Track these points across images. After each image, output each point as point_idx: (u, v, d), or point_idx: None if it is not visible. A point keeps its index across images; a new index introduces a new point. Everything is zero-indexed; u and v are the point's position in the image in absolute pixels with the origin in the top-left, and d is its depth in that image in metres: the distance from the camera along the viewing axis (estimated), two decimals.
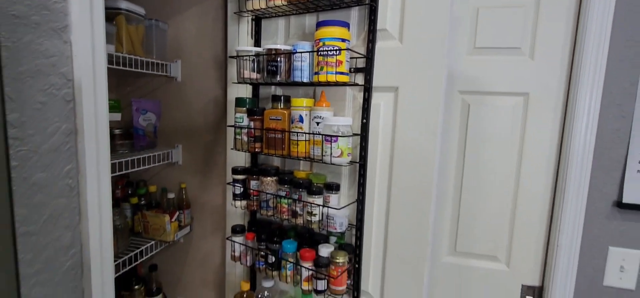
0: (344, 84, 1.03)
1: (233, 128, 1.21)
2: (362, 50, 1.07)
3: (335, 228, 1.05)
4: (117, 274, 1.35)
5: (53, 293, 0.58)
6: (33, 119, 0.53)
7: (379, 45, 1.05)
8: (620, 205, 1.23)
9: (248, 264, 1.24)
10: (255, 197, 1.21)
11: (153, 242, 1.49)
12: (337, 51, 0.97)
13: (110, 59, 1.24)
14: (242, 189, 1.22)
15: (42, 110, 0.55)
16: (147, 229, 1.51)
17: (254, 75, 1.16)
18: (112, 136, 1.44)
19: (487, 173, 1.37)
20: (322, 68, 1.00)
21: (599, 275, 1.29)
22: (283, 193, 1.13)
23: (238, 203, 1.23)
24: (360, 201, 1.11)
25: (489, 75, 1.33)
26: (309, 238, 1.20)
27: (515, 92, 1.32)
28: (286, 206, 1.13)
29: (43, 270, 0.56)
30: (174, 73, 1.57)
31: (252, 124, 1.17)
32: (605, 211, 1.25)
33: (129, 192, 1.58)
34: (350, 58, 1.07)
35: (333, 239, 1.17)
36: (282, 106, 1.15)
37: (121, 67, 1.29)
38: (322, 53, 0.99)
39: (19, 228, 0.51)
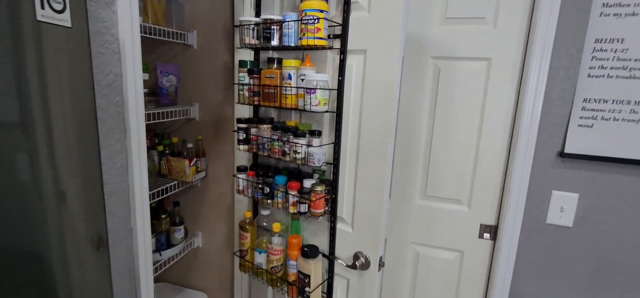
0: (323, 48, 1.28)
1: (237, 85, 1.49)
2: (340, 19, 1.31)
3: (314, 164, 1.33)
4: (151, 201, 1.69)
5: (113, 180, 0.89)
6: (96, 63, 0.82)
7: (353, 15, 1.29)
8: (562, 154, 1.44)
9: (249, 195, 1.54)
10: (254, 142, 1.49)
11: (176, 182, 1.82)
12: (316, 20, 1.22)
13: (141, 29, 1.53)
14: (244, 135, 1.51)
15: (101, 57, 0.84)
16: (170, 171, 1.84)
17: (254, 41, 1.42)
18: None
19: (454, 129, 1.61)
20: (304, 34, 1.25)
21: (542, 215, 1.52)
22: (275, 137, 1.42)
23: (242, 146, 1.52)
24: (336, 143, 1.37)
25: (457, 42, 1.54)
26: (297, 174, 1.49)
27: (479, 57, 1.53)
28: (278, 147, 1.41)
29: (106, 164, 0.87)
30: (190, 41, 1.85)
31: (251, 81, 1.44)
32: (550, 160, 1.47)
33: (156, 142, 1.91)
34: (329, 26, 1.31)
35: (316, 176, 1.45)
36: (275, 67, 1.41)
37: (147, 35, 1.58)
38: (304, 21, 1.24)
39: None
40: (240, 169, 1.56)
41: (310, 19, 1.22)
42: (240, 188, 1.56)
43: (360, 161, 1.35)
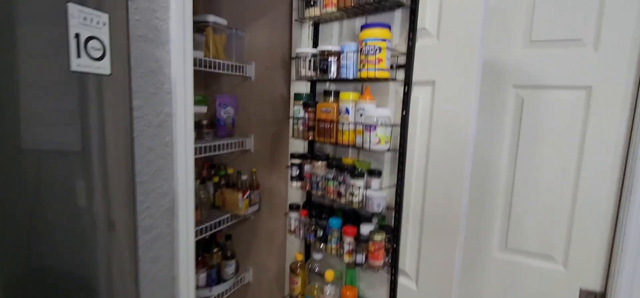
0: (384, 80, 1.15)
1: (292, 119, 1.42)
2: (404, 48, 1.17)
3: (373, 209, 1.18)
4: (201, 237, 1.67)
5: (155, 224, 0.84)
6: (148, 104, 0.79)
7: (419, 43, 1.15)
8: None
9: (301, 236, 1.43)
10: (308, 179, 1.39)
11: (228, 215, 1.79)
12: (377, 50, 1.10)
13: (199, 62, 1.56)
14: (298, 172, 1.42)
15: (152, 98, 0.80)
16: (224, 203, 1.82)
17: (310, 73, 1.34)
18: (200, 125, 1.78)
19: (542, 170, 1.34)
20: (364, 65, 1.13)
21: None
22: (330, 176, 1.30)
23: (294, 183, 1.43)
24: (398, 185, 1.21)
25: (546, 69, 1.31)
26: (354, 217, 1.34)
27: (575, 86, 1.28)
28: (333, 187, 1.29)
29: (150, 207, 0.82)
30: (248, 73, 1.85)
31: (306, 115, 1.36)
32: None
33: (212, 173, 1.91)
34: (392, 56, 1.18)
35: (376, 220, 1.29)
36: (332, 100, 1.31)
37: (207, 69, 1.59)
38: (364, 52, 1.13)
39: (137, 178, 0.77)
40: (293, 208, 1.47)
41: (371, 49, 1.11)
42: (292, 227, 1.46)
43: (427, 206, 1.17)
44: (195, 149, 1.56)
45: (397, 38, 1.21)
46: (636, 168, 1.16)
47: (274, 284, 1.90)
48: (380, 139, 1.12)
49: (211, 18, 1.63)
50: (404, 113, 1.19)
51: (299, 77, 1.35)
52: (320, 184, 1.34)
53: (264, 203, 1.89)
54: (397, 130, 1.21)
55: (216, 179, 1.87)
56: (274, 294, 1.90)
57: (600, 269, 1.29)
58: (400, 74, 1.19)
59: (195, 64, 1.53)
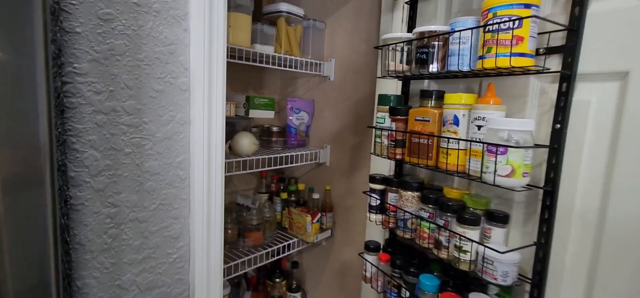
0: (525, 72, 0.70)
1: (374, 130, 1.05)
2: (563, 19, 0.71)
3: (496, 278, 0.74)
4: (266, 261, 1.43)
5: (158, 282, 0.58)
6: (148, 107, 0.54)
7: (596, 7, 0.67)
8: None
9: (379, 290, 1.05)
10: (392, 213, 1.01)
11: (296, 240, 1.52)
12: (516, 23, 0.67)
13: (267, 59, 1.32)
14: (378, 201, 1.05)
15: (157, 98, 0.55)
16: (291, 226, 1.55)
17: (402, 66, 0.96)
18: (269, 132, 1.55)
19: None
20: (489, 49, 0.71)
21: None
22: (425, 214, 0.89)
23: (373, 216, 1.07)
24: (542, 245, 0.74)
25: None
26: (459, 278, 0.90)
27: None
28: (428, 231, 0.88)
29: (150, 257, 0.56)
30: (327, 72, 1.55)
31: (394, 125, 0.98)
32: None
33: (282, 187, 1.67)
34: (539, 34, 0.72)
35: (494, 289, 0.84)
36: (432, 104, 0.91)
37: (277, 67, 1.35)
38: (490, 29, 0.70)
39: (129, 213, 0.52)
40: (370, 248, 1.10)
41: (502, 25, 0.68)
42: (368, 274, 1.10)
43: (598, 284, 0.68)
44: (261, 161, 1.33)
45: (549, 5, 0.75)
46: None
47: None
48: (514, 169, 0.68)
49: (285, 6, 1.38)
50: (557, 126, 0.72)
51: (387, 74, 0.99)
52: (409, 223, 0.95)
53: (339, 229, 1.56)
54: (543, 154, 0.74)
55: (285, 195, 1.61)
56: None
57: None
58: (554, 63, 0.73)
59: (262, 61, 1.30)
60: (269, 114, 1.43)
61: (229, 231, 1.42)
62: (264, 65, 1.29)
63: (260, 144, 1.54)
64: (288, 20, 1.42)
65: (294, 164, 1.47)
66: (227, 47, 1.16)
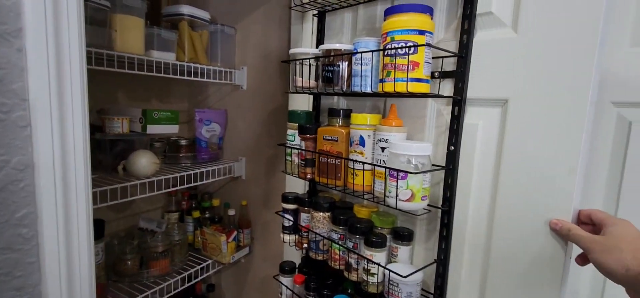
0: (423, 94, 0.72)
1: (284, 148, 1.01)
2: (453, 46, 0.74)
3: (400, 297, 0.75)
4: (175, 291, 1.29)
5: None
6: None
7: (480, 36, 0.71)
8: None
9: None
10: (305, 233, 0.98)
11: (210, 261, 1.41)
12: (411, 49, 0.67)
13: (168, 68, 1.18)
14: (291, 222, 1.01)
15: None
16: (205, 246, 1.43)
17: (310, 83, 0.93)
18: (177, 147, 1.40)
19: None
20: (389, 73, 0.71)
21: None
22: (336, 236, 0.88)
23: (287, 237, 1.02)
24: (441, 261, 0.77)
25: None
26: (370, 296, 0.91)
27: None
28: (339, 253, 0.87)
29: None
30: (238, 81, 1.45)
31: (304, 144, 0.94)
32: None
33: (194, 205, 1.53)
34: (434, 58, 0.75)
35: None
36: (340, 123, 0.89)
37: (179, 77, 1.21)
38: (389, 52, 0.70)
39: None
40: (286, 270, 1.05)
41: (399, 50, 0.68)
42: (283, 297, 1.05)
43: (488, 295, 0.73)
44: (165, 181, 1.19)
45: (442, 31, 0.78)
46: None
47: None
48: (414, 193, 0.69)
49: (187, 9, 1.25)
50: (451, 148, 0.75)
51: (295, 90, 0.94)
52: (321, 244, 0.92)
53: (257, 244, 1.49)
54: (440, 175, 0.77)
55: (197, 214, 1.48)
56: None
57: None
58: (447, 87, 0.76)
59: (160, 71, 1.15)
60: (173, 129, 1.29)
61: (129, 263, 1.25)
62: (163, 74, 1.15)
63: (166, 160, 1.38)
64: (192, 24, 1.29)
65: (205, 181, 1.35)
66: (114, 55, 1.01)
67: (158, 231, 1.33)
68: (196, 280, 1.36)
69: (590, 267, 0.62)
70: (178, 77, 1.21)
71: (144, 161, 1.11)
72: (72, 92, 0.49)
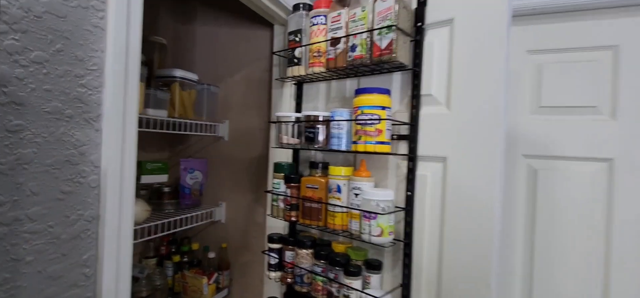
0: (385, 153, 0.94)
1: (270, 195, 1.17)
2: (406, 116, 0.99)
3: None
4: None
5: None
6: (54, 210, 0.53)
7: (424, 111, 0.96)
8: None
9: None
10: (289, 269, 1.13)
11: None
12: (377, 120, 0.90)
13: (161, 123, 1.32)
14: (277, 260, 1.15)
15: (65, 200, 0.55)
16: (186, 290, 1.50)
17: (293, 140, 1.12)
18: (160, 194, 1.50)
19: (565, 250, 1.15)
20: (360, 137, 0.93)
21: None
22: (318, 269, 1.04)
23: (273, 274, 1.16)
24: (405, 286, 0.97)
25: (559, 137, 1.16)
26: None
27: (594, 157, 1.12)
28: (322, 284, 1.03)
29: None
30: (221, 133, 1.61)
31: (288, 191, 1.12)
32: None
33: (173, 249, 1.60)
34: (393, 125, 0.99)
35: None
36: (319, 174, 1.09)
37: (170, 131, 1.35)
38: (360, 122, 0.93)
39: None
40: None
41: (368, 119, 0.91)
42: None
43: None
44: (154, 227, 1.28)
45: (397, 104, 1.03)
46: None
47: None
48: (383, 231, 0.89)
49: (178, 73, 1.41)
50: (408, 194, 0.97)
51: (280, 145, 1.13)
52: (305, 278, 1.08)
53: (236, 285, 1.58)
54: (401, 214, 0.99)
55: (177, 258, 1.55)
56: None
57: None
58: (403, 147, 1.00)
59: (155, 126, 1.29)
60: (163, 178, 1.40)
61: None
62: (158, 130, 1.28)
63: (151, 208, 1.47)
64: (182, 85, 1.45)
65: (188, 226, 1.45)
66: None
67: (140, 276, 1.39)
68: None
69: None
70: (170, 132, 1.34)
71: (138, 209, 1.21)
72: (129, 160, 0.64)
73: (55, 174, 0.53)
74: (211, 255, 1.55)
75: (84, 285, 0.58)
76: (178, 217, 1.40)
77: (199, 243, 1.64)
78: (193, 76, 1.48)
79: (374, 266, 0.99)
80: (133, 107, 0.64)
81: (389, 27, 0.87)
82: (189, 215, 1.45)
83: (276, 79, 1.32)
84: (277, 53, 1.30)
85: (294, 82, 1.26)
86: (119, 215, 0.62)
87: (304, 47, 1.09)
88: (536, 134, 1.20)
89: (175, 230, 1.38)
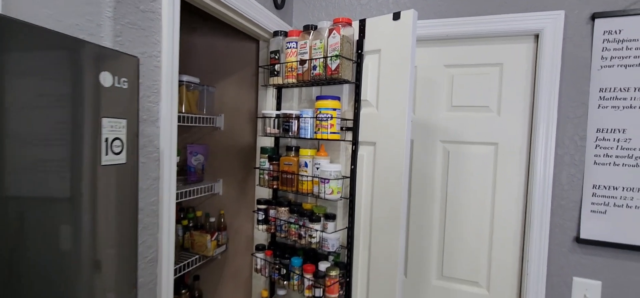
0: (336, 140, 1.40)
1: (258, 169, 1.62)
2: (351, 114, 1.44)
3: (329, 249, 1.39)
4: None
5: (143, 273, 0.99)
6: (142, 171, 0.97)
7: (363, 111, 1.42)
8: (579, 240, 1.45)
9: (266, 275, 1.60)
10: (273, 223, 1.58)
11: (197, 256, 1.91)
12: (329, 117, 1.36)
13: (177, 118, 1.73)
14: (263, 216, 1.61)
15: (144, 166, 0.98)
16: (193, 245, 1.94)
17: (274, 130, 1.57)
18: None
19: (466, 210, 1.65)
20: (319, 129, 1.38)
21: None
22: (292, 220, 1.50)
23: (261, 226, 1.61)
24: (350, 228, 1.44)
25: (464, 128, 1.64)
26: (314, 255, 1.54)
27: (486, 142, 1.61)
28: (294, 230, 1.49)
29: (140, 256, 0.97)
30: (218, 124, 2.04)
31: (271, 167, 1.57)
32: (567, 245, 1.47)
33: (181, 216, 2.03)
34: (342, 120, 1.44)
35: (332, 258, 1.50)
36: (293, 154, 1.54)
37: (181, 124, 1.76)
38: (319, 118, 1.38)
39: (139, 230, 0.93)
40: (259, 249, 1.64)
41: (325, 117, 1.36)
42: (258, 266, 1.63)
43: (373, 244, 1.40)
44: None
45: (346, 105, 1.48)
46: (533, 210, 1.48)
47: None
48: (333, 190, 1.36)
49: (185, 77, 1.82)
50: (352, 168, 1.44)
51: (265, 134, 1.57)
52: (283, 227, 1.54)
53: (231, 244, 2.03)
54: (348, 182, 1.45)
55: (185, 222, 1.99)
56: None
57: (514, 291, 1.58)
58: (349, 136, 1.46)
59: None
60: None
61: None
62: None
63: None
64: (187, 86, 1.86)
65: (195, 197, 1.88)
66: None
67: None
68: (188, 270, 1.86)
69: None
70: (180, 124, 1.76)
71: None
72: (173, 143, 1.07)
73: (142, 152, 0.96)
74: (212, 219, 1.99)
75: (152, 216, 1.02)
76: (186, 189, 1.82)
77: (201, 210, 2.07)
78: (195, 80, 1.89)
79: (330, 217, 1.46)
80: (175, 113, 1.07)
81: (336, 56, 1.31)
82: (194, 188, 1.88)
83: (262, 86, 1.75)
84: (263, 67, 1.73)
85: (275, 87, 1.70)
86: (169, 177, 1.06)
87: (281, 64, 1.53)
88: (449, 125, 1.67)
89: (185, 199, 1.81)
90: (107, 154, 0.68)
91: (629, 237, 1.36)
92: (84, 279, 0.69)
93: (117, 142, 0.70)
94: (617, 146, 1.37)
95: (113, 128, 0.68)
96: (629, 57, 1.35)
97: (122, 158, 0.72)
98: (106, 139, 0.67)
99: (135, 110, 0.75)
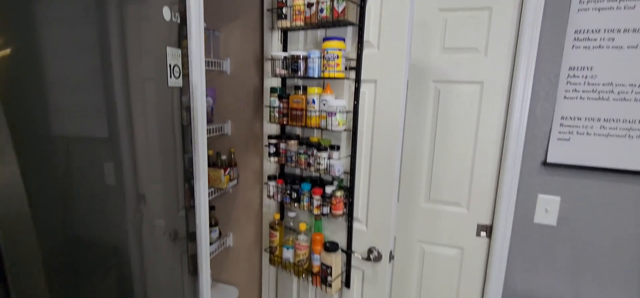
0: (341, 79, 1.56)
1: (268, 108, 1.79)
2: (354, 55, 1.60)
3: (335, 174, 1.61)
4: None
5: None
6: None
7: (365, 52, 1.57)
8: (545, 163, 1.70)
9: (278, 200, 1.83)
10: (283, 154, 1.78)
11: (212, 189, 2.12)
12: (336, 57, 1.51)
13: None
14: (274, 149, 1.80)
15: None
16: (209, 180, 2.13)
17: (283, 71, 1.71)
18: None
19: (453, 142, 1.87)
20: (325, 68, 1.54)
21: (530, 215, 1.77)
22: (301, 151, 1.70)
23: (272, 158, 1.81)
24: (352, 156, 1.65)
25: (454, 68, 1.82)
26: (319, 182, 1.77)
27: (473, 81, 1.80)
28: (304, 159, 1.69)
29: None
30: (225, 68, 2.16)
31: (281, 105, 1.73)
32: (536, 168, 1.73)
33: None
34: (346, 60, 1.59)
35: (336, 183, 1.72)
36: (301, 93, 1.70)
37: None
38: (326, 58, 1.53)
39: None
40: (271, 178, 1.85)
41: (331, 56, 1.51)
42: (271, 193, 1.85)
43: (372, 170, 1.63)
44: None
45: (350, 47, 1.63)
46: (509, 139, 1.72)
47: (251, 245, 2.28)
48: (339, 123, 1.55)
49: None
50: (355, 103, 1.62)
51: (274, 75, 1.72)
52: (293, 157, 1.74)
53: (242, 178, 2.24)
54: (351, 116, 1.64)
55: None
56: (252, 252, 2.28)
57: (489, 209, 1.86)
58: (353, 74, 1.62)
59: None
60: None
61: None
62: None
63: None
64: None
65: (207, 135, 2.04)
66: None
67: None
68: None
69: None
70: None
71: None
72: (201, 74, 1.22)
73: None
74: (223, 157, 2.17)
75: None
76: None
77: (212, 149, 2.25)
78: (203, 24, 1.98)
79: (335, 147, 1.66)
80: (202, 52, 1.21)
81: None
82: (206, 128, 2.04)
83: (268, 29, 1.86)
84: (271, 10, 1.82)
85: (281, 31, 1.82)
86: (201, 104, 1.22)
87: (288, 7, 1.64)
88: (441, 66, 1.85)
89: None
90: (170, 77, 0.84)
91: (586, 159, 1.62)
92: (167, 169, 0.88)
93: (176, 69, 0.86)
94: (585, 82, 1.58)
95: (173, 56, 0.84)
96: (603, 0, 1.52)
97: (180, 82, 0.88)
98: (169, 65, 0.83)
99: (185, 41, 0.90)
